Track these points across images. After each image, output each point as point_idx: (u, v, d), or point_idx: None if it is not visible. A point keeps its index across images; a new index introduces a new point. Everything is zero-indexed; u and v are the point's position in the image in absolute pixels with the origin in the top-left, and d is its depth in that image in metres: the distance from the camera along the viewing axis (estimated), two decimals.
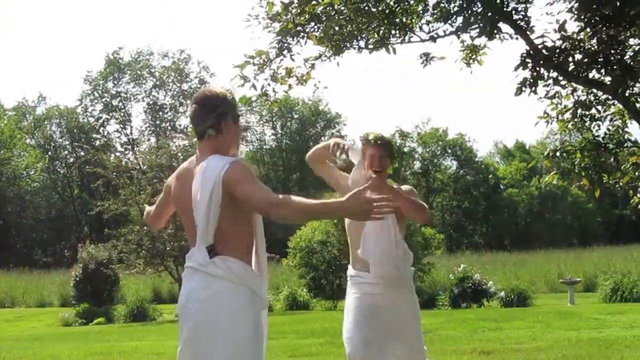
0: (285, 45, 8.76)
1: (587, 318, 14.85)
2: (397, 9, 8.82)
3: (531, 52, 8.47)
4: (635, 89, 8.69)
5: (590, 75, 8.65)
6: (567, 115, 9.29)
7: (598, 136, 9.25)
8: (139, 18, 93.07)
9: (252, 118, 62.32)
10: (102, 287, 25.91)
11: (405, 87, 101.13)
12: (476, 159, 64.49)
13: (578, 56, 8.54)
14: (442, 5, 8.69)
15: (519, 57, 8.50)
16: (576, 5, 8.32)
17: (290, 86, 9.12)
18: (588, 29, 8.47)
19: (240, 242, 3.89)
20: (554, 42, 8.51)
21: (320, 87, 9.40)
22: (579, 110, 9.21)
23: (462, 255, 41.63)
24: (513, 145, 69.56)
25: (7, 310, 29.78)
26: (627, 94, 8.49)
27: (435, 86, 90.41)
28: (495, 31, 8.37)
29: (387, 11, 8.77)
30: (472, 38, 8.76)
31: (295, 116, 64.63)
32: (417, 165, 65.26)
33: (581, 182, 9.09)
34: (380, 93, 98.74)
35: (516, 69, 8.50)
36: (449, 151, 64.55)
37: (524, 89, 8.58)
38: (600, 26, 8.33)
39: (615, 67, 8.34)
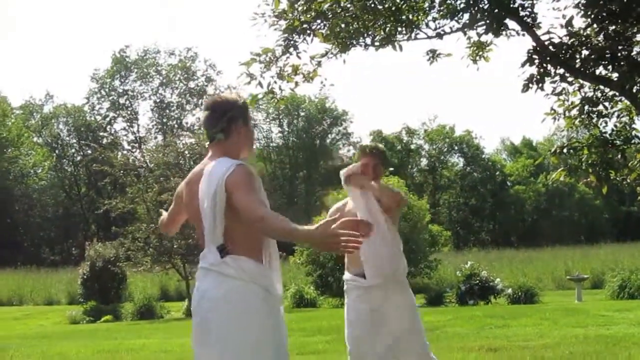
0: (292, 42, 8.75)
1: (594, 315, 14.82)
2: (403, 6, 8.81)
3: (538, 48, 8.45)
4: None
5: (597, 72, 8.62)
6: (574, 112, 9.27)
7: (605, 133, 9.22)
8: (146, 16, 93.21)
9: (258, 116, 62.35)
10: (109, 285, 25.97)
11: (411, 84, 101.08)
12: (483, 156, 64.37)
13: (585, 52, 8.51)
14: (448, 2, 8.68)
15: (525, 53, 8.48)
16: (583, 1, 8.30)
17: (296, 84, 9.12)
18: (595, 25, 8.44)
19: (250, 240, 3.91)
20: (560, 38, 8.49)
21: (326, 85, 9.41)
22: (586, 107, 9.19)
23: (469, 252, 41.60)
24: (520, 142, 69.41)
25: (15, 308, 29.87)
26: (634, 90, 8.47)
27: (441, 83, 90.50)
28: (501, 28, 8.35)
29: (393, 8, 8.76)
30: (479, 35, 8.75)
31: (302, 114, 64.60)
32: (424, 162, 65.19)
33: (588, 179, 9.06)
34: (386, 90, 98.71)
35: (523, 65, 8.48)
36: (456, 148, 64.45)
37: (530, 85, 8.56)
38: (607, 22, 8.31)
39: (622, 63, 8.32)
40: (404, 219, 23.51)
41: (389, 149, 62.39)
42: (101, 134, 62.20)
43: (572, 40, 8.50)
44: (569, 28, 8.45)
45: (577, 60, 8.53)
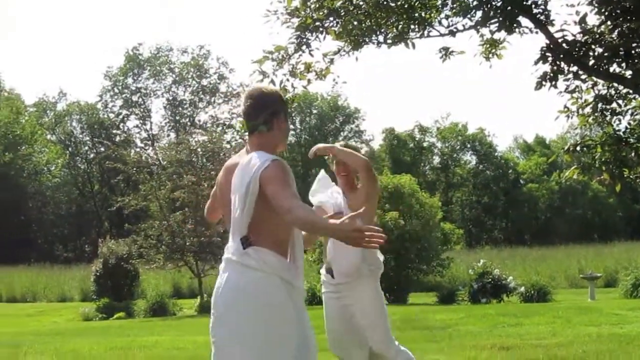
0: (304, 40, 8.75)
1: (607, 314, 14.76)
2: (416, 4, 8.80)
3: (551, 45, 8.41)
4: None
5: (611, 69, 8.58)
6: (588, 110, 9.23)
7: (619, 130, 9.18)
8: (159, 14, 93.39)
9: None
10: (122, 282, 26.03)
11: (424, 82, 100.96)
12: (496, 154, 64.19)
13: (599, 50, 8.48)
14: None
15: (538, 51, 8.45)
16: None
17: (309, 81, 9.11)
18: (609, 22, 8.40)
19: (274, 234, 3.94)
20: (574, 35, 8.46)
21: (339, 82, 9.42)
22: (600, 105, 9.15)
23: (481, 250, 41.48)
24: (533, 140, 69.16)
25: (29, 305, 30.01)
26: None
27: (454, 81, 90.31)
28: (514, 25, 8.32)
29: (406, 6, 8.74)
30: (492, 32, 8.73)
31: (314, 111, 64.62)
32: (437, 160, 65.07)
33: (602, 177, 9.03)
34: (399, 88, 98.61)
35: (536, 63, 8.45)
36: (469, 146, 64.30)
37: (544, 83, 8.53)
38: (621, 19, 8.27)
39: (636, 60, 8.28)
40: (416, 216, 23.51)
41: (401, 147, 62.45)
42: (114, 131, 62.36)
43: (585, 37, 8.47)
44: (583, 25, 8.42)
45: (591, 58, 8.49)
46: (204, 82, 62.45)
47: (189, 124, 60.89)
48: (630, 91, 8.92)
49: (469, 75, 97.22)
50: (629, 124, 9.31)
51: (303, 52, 8.83)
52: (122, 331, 16.30)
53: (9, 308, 28.65)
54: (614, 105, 9.23)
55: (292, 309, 3.91)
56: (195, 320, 19.35)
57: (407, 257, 22.89)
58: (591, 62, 8.48)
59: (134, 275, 26.75)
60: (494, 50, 9.33)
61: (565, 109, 9.28)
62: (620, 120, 9.31)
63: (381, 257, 6.21)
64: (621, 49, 8.30)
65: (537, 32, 8.48)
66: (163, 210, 25.01)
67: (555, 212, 59.57)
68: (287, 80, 9.02)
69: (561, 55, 8.41)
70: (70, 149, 63.18)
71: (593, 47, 8.46)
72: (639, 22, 8.16)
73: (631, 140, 9.00)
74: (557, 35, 8.41)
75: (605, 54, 8.38)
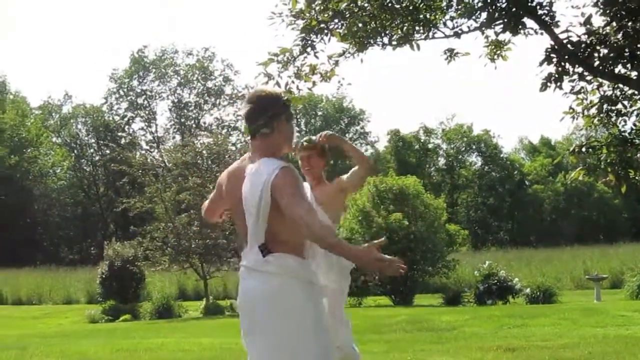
0: (309, 42, 8.76)
1: (613, 315, 14.73)
2: (421, 5, 8.80)
3: (556, 47, 8.41)
4: None
5: (616, 70, 8.57)
6: (593, 111, 9.22)
7: (624, 132, 9.17)
8: (164, 17, 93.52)
9: None
10: (127, 284, 26.04)
11: (429, 84, 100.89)
12: (501, 155, 64.13)
13: (604, 51, 8.47)
14: (466, 0, 8.66)
15: (543, 52, 8.44)
16: None
17: (314, 83, 9.11)
18: (614, 23, 8.39)
19: (292, 238, 3.96)
20: (579, 36, 8.45)
21: (344, 84, 9.40)
22: (605, 106, 9.13)
23: (487, 252, 41.47)
24: (538, 141, 69.11)
25: (35, 307, 30.04)
26: None
27: (459, 82, 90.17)
28: (519, 26, 8.33)
29: (410, 7, 8.75)
30: (497, 33, 8.73)
31: (319, 113, 64.63)
32: (442, 161, 65.03)
33: (607, 178, 9.01)
34: (404, 89, 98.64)
35: (541, 64, 8.45)
36: (474, 147, 64.25)
37: (549, 84, 8.53)
38: (626, 20, 8.26)
39: None
40: (421, 218, 23.50)
41: (406, 149, 62.42)
42: (119, 133, 62.48)
43: (590, 38, 8.46)
44: (588, 26, 8.42)
45: (596, 59, 8.48)
46: (209, 84, 62.55)
47: (194, 126, 60.96)
48: (636, 92, 8.91)
49: (474, 77, 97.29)
50: (635, 125, 9.30)
51: (308, 54, 8.84)
52: (127, 333, 16.31)
53: (15, 310, 28.68)
54: (620, 106, 9.21)
55: (313, 309, 3.95)
56: (200, 323, 19.35)
57: (413, 259, 22.89)
58: (596, 63, 8.48)
59: (140, 278, 26.77)
60: (499, 52, 9.33)
61: (571, 110, 9.26)
62: (625, 121, 9.29)
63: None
64: (626, 50, 8.29)
65: (542, 34, 8.48)
66: (168, 212, 25.02)
67: (560, 213, 59.49)
68: (292, 82, 9.03)
69: (566, 57, 8.40)
70: (75, 151, 63.29)
71: (598, 48, 8.45)
72: None
73: (637, 141, 8.98)
74: (562, 36, 8.41)
75: (611, 55, 8.37)
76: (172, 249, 24.62)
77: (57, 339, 15.56)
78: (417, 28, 8.85)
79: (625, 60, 8.40)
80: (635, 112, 9.29)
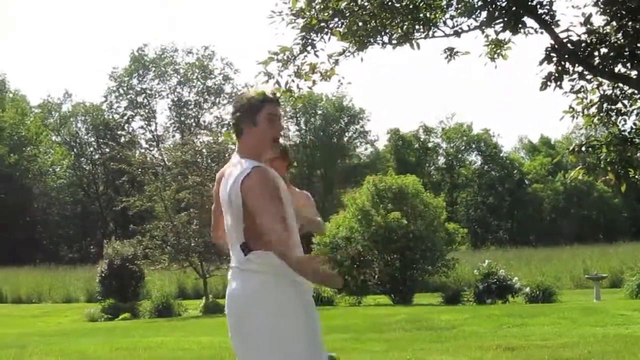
0: (309, 41, 8.74)
1: (613, 314, 14.74)
2: (421, 4, 8.79)
3: (556, 46, 8.40)
4: None
5: (616, 70, 8.56)
6: (593, 110, 9.21)
7: (624, 131, 9.16)
8: (164, 15, 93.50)
9: None
10: (127, 283, 26.05)
11: (429, 83, 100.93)
12: (501, 154, 64.16)
13: (604, 50, 8.46)
14: None
15: (543, 51, 8.44)
16: None
17: (314, 82, 9.09)
18: (614, 23, 8.39)
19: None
20: (579, 36, 8.45)
21: (344, 83, 9.38)
22: (605, 105, 9.12)
23: (486, 251, 41.48)
24: (538, 140, 69.17)
25: (34, 306, 30.06)
26: None
27: (459, 81, 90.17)
28: (519, 25, 8.31)
29: (411, 6, 8.74)
30: (497, 32, 8.71)
31: (319, 112, 64.61)
32: (442, 160, 65.07)
33: (607, 177, 9.00)
34: (404, 88, 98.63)
35: (541, 63, 8.44)
36: (474, 146, 64.30)
37: (549, 83, 8.52)
38: (626, 20, 8.25)
39: None
40: (421, 217, 23.50)
41: (406, 148, 62.47)
42: (119, 132, 62.52)
43: (590, 37, 8.45)
44: (588, 26, 8.41)
45: (596, 58, 8.47)
46: (209, 83, 62.59)
47: (193, 124, 60.99)
48: (636, 91, 8.90)
49: (473, 76, 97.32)
50: (635, 124, 9.29)
51: (308, 53, 8.82)
52: (127, 332, 16.32)
53: (15, 309, 28.70)
54: (619, 105, 9.20)
55: (300, 307, 3.95)
56: (200, 321, 19.36)
57: (412, 258, 22.90)
58: (596, 63, 8.47)
59: (139, 276, 26.78)
60: (499, 51, 9.31)
61: (571, 109, 9.25)
62: (625, 120, 9.28)
63: None
64: (626, 49, 8.28)
65: (542, 33, 8.47)
66: (168, 211, 25.02)
67: (560, 212, 59.53)
68: (292, 81, 9.01)
69: (566, 56, 8.39)
70: (75, 150, 63.29)
71: (598, 47, 8.44)
72: None
73: (637, 140, 8.97)
74: (562, 35, 8.40)
75: (611, 54, 8.36)
76: (172, 247, 24.63)
77: (56, 337, 15.56)
78: (417, 27, 8.83)
79: (625, 60, 8.39)
80: (635, 111, 9.27)
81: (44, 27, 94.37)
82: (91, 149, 64.05)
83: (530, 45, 9.78)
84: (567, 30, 8.42)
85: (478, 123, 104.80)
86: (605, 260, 30.88)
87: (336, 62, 9.00)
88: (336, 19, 8.68)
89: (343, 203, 26.22)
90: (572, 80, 8.75)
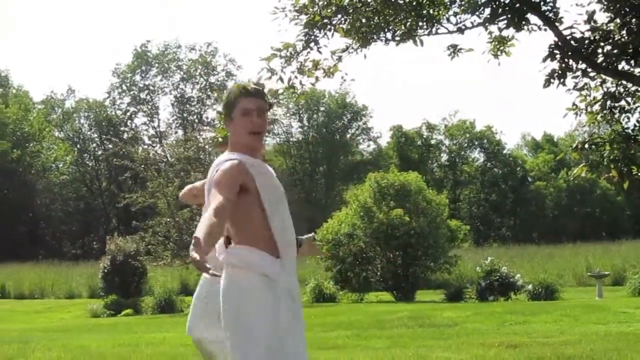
0: (312, 37, 8.74)
1: (615, 312, 14.72)
2: (424, 1, 8.78)
3: (560, 43, 8.39)
4: None
5: (620, 67, 8.55)
6: (596, 107, 9.20)
7: (627, 128, 9.15)
8: (167, 11, 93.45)
9: (278, 111, 62.43)
10: (130, 279, 26.09)
11: (432, 79, 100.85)
12: (504, 152, 64.09)
13: (607, 47, 8.45)
14: None
15: (547, 48, 8.43)
16: None
17: (317, 79, 9.09)
18: (618, 20, 8.38)
19: (252, 231, 3.99)
20: (582, 33, 8.44)
21: (347, 80, 9.37)
22: (608, 102, 9.11)
23: (489, 248, 41.45)
24: (541, 138, 69.06)
25: (37, 302, 30.10)
26: None
27: (462, 78, 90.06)
28: (523, 22, 8.31)
29: (414, 3, 8.73)
30: (500, 29, 8.70)
31: (322, 109, 64.58)
32: (444, 157, 65.03)
33: (610, 175, 8.99)
34: (407, 85, 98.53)
35: (544, 60, 8.43)
36: (476, 143, 64.22)
37: (552, 80, 8.51)
38: (630, 17, 8.24)
39: None
40: (423, 214, 23.50)
41: (408, 144, 62.45)
42: (122, 128, 62.54)
43: (594, 35, 8.44)
44: (592, 23, 8.40)
45: (600, 55, 8.47)
46: (212, 79, 62.53)
47: (196, 121, 60.97)
48: (639, 89, 8.89)
49: (477, 73, 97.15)
50: (638, 121, 9.27)
51: (311, 49, 8.82)
52: (129, 328, 16.34)
53: (18, 304, 28.74)
54: (623, 102, 9.19)
55: (270, 304, 3.92)
56: None
57: (414, 255, 22.91)
58: (600, 60, 8.46)
59: (142, 272, 26.81)
60: (502, 48, 9.30)
61: (574, 107, 9.25)
62: (629, 117, 9.27)
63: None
64: (630, 46, 8.28)
65: (545, 30, 8.46)
66: (171, 207, 25.04)
67: (563, 210, 59.48)
68: (295, 77, 9.00)
69: (569, 53, 8.39)
70: (78, 146, 63.33)
71: (602, 44, 8.44)
72: None
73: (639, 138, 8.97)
74: (565, 32, 8.39)
75: (614, 52, 8.36)
76: (174, 243, 24.64)
77: (59, 333, 15.59)
78: (420, 24, 8.83)
79: (628, 57, 8.39)
80: (638, 109, 9.27)
81: (48, 23, 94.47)
82: (94, 145, 64.10)
83: (533, 42, 9.76)
84: (571, 27, 8.41)
85: (481, 120, 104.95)
86: (607, 258, 30.85)
87: (339, 59, 8.99)
88: (339, 16, 8.68)
89: (345, 200, 26.24)
90: (576, 77, 8.75)
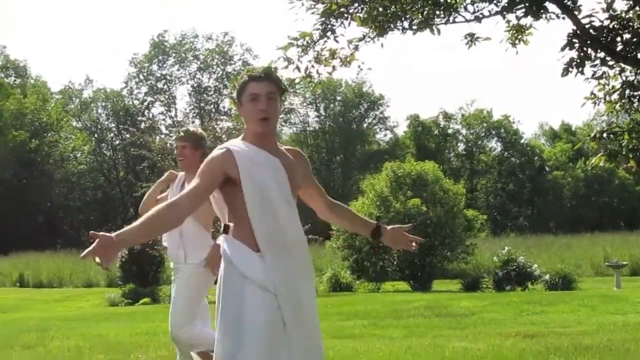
0: (329, 26, 8.73)
1: (633, 302, 14.65)
2: None
3: (578, 32, 8.34)
4: None
5: (639, 55, 8.49)
6: (615, 96, 9.14)
7: None
8: (183, 1, 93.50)
9: (295, 100, 62.46)
10: (147, 268, 26.13)
11: (449, 68, 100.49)
12: (521, 141, 63.82)
13: (626, 36, 8.40)
14: None
15: (565, 37, 8.38)
16: None
17: (334, 68, 9.09)
18: (637, 8, 8.32)
19: (242, 223, 3.91)
20: (601, 21, 8.38)
21: (363, 69, 9.36)
22: (627, 91, 9.05)
23: (506, 237, 41.33)
24: (559, 127, 68.69)
25: (55, 291, 30.26)
26: None
27: (479, 67, 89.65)
28: (541, 11, 8.26)
29: None
30: (518, 18, 8.66)
31: (339, 98, 64.49)
32: (461, 147, 64.82)
33: (628, 164, 8.94)
34: (424, 74, 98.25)
35: (563, 49, 8.39)
36: (494, 133, 63.97)
37: (570, 69, 8.47)
38: None
39: None
40: (440, 203, 23.46)
41: (426, 134, 62.30)
42: (139, 118, 62.71)
43: (613, 23, 8.39)
44: (610, 11, 8.34)
45: (618, 44, 8.41)
46: (229, 68, 62.56)
47: (213, 110, 61.05)
48: None
49: (494, 62, 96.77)
50: None
51: (328, 38, 8.81)
52: (147, 317, 16.40)
53: (36, 293, 28.91)
54: None
55: (244, 297, 3.83)
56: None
57: (431, 244, 22.87)
58: (619, 48, 8.41)
59: (159, 261, 26.84)
60: (520, 36, 9.25)
61: (592, 96, 9.19)
62: None
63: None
64: None
65: (564, 18, 8.41)
66: None
67: (581, 199, 59.18)
68: (312, 66, 9.00)
69: (588, 42, 8.33)
70: (96, 135, 63.59)
71: (621, 33, 8.38)
72: None
73: None
74: (584, 21, 8.34)
75: (634, 40, 8.30)
76: None
77: (77, 321, 15.67)
78: (437, 12, 8.79)
79: None
80: None
81: (66, 13, 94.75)
82: (112, 134, 64.33)
83: (551, 31, 9.70)
84: (590, 15, 8.36)
85: (498, 109, 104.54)
86: (626, 248, 30.69)
87: (356, 48, 8.98)
88: (356, 4, 8.66)
89: (362, 189, 26.22)
90: (594, 66, 8.70)
